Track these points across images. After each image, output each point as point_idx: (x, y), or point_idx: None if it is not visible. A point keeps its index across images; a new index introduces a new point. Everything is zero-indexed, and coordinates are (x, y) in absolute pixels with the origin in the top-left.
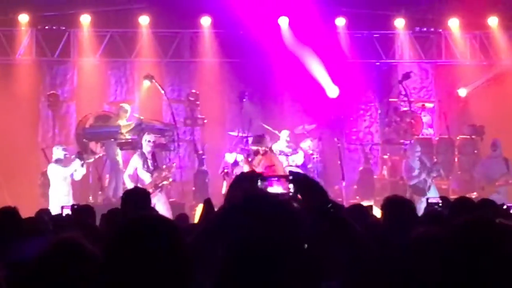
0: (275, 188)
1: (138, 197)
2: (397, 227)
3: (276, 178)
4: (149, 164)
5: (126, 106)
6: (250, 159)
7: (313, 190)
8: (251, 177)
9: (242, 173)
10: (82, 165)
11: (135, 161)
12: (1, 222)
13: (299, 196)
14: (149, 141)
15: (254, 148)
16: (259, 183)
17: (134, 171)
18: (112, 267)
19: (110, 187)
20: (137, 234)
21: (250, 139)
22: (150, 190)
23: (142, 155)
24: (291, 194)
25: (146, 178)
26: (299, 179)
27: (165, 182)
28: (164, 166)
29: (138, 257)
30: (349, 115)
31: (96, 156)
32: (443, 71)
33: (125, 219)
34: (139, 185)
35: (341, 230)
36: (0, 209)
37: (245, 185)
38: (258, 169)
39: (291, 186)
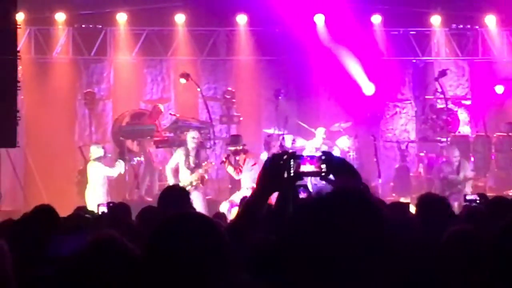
0: (307, 167)
1: (176, 195)
2: (432, 224)
3: (308, 157)
4: (191, 162)
5: (160, 106)
6: (232, 161)
7: (345, 170)
8: (284, 157)
9: (274, 154)
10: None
11: (178, 156)
12: (39, 220)
13: (331, 176)
14: (193, 137)
15: (233, 148)
16: (292, 163)
17: (176, 165)
18: (151, 265)
19: (143, 185)
20: (178, 231)
21: (286, 137)
22: (188, 188)
23: (186, 151)
24: (323, 173)
25: (186, 174)
26: (332, 159)
27: (197, 181)
28: (204, 164)
29: (178, 255)
30: (385, 113)
31: (137, 159)
32: (480, 68)
33: (164, 216)
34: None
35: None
36: (38, 207)
37: (279, 166)
38: (246, 168)
39: (323, 166)
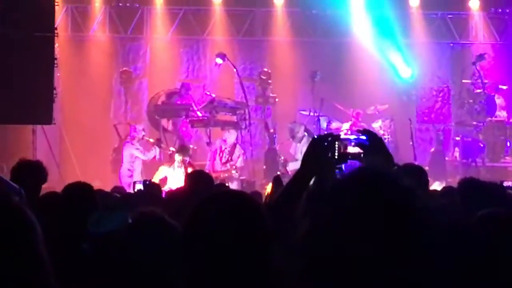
0: (353, 148)
1: (201, 179)
2: (474, 209)
3: (355, 139)
4: (225, 154)
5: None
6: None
7: (376, 151)
8: (329, 138)
9: (319, 135)
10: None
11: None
12: (77, 197)
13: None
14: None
15: (180, 158)
16: (337, 144)
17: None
18: (192, 241)
19: None
20: (218, 209)
21: (322, 119)
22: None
23: (224, 143)
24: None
25: (217, 166)
26: (366, 139)
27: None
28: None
29: (216, 232)
30: (422, 96)
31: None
32: None
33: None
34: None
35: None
36: (75, 185)
37: (323, 147)
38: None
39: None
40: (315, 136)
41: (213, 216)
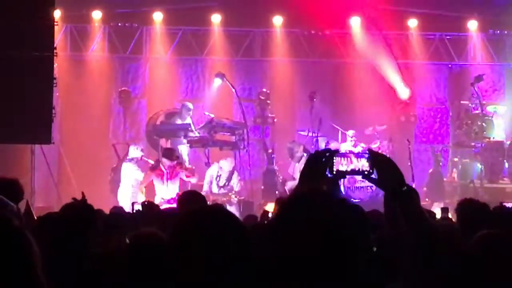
0: (351, 165)
1: (193, 199)
2: (472, 230)
3: (352, 155)
4: (223, 179)
5: (189, 104)
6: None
7: (390, 169)
8: (327, 154)
9: (317, 151)
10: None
11: (213, 170)
12: (76, 218)
13: (374, 173)
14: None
15: (168, 162)
16: (335, 160)
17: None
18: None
19: None
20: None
21: (320, 139)
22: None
23: (221, 169)
24: (366, 172)
25: (214, 189)
26: (377, 156)
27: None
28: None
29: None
30: (420, 117)
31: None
32: None
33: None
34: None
35: (412, 214)
36: (74, 205)
37: (321, 163)
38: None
39: (366, 163)
40: (313, 152)
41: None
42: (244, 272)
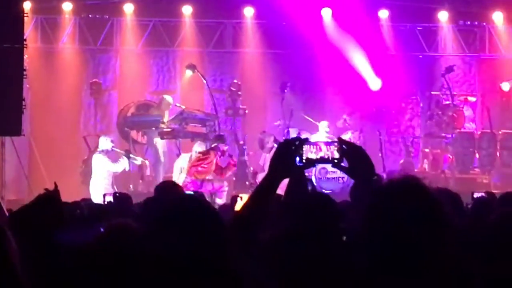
0: (320, 153)
1: (169, 188)
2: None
3: (322, 144)
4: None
5: (169, 98)
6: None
7: (361, 158)
8: (297, 142)
9: (287, 139)
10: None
11: (122, 165)
12: (45, 209)
13: (344, 162)
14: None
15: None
16: (304, 149)
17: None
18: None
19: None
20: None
21: (292, 130)
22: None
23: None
24: (336, 160)
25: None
26: (348, 145)
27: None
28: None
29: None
30: (391, 108)
31: (141, 160)
32: (486, 65)
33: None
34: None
35: (383, 202)
36: (42, 196)
37: (290, 151)
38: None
39: (336, 152)
40: (283, 140)
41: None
42: (218, 256)
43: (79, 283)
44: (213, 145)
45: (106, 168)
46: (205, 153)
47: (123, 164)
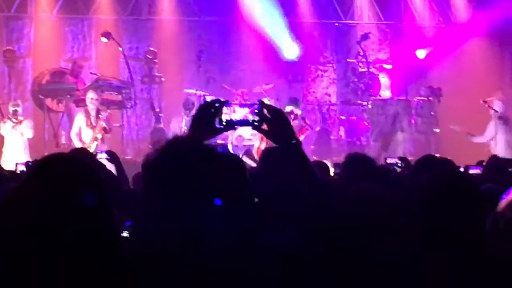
0: (239, 114)
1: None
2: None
3: (242, 106)
4: (92, 121)
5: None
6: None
7: (281, 121)
8: (217, 104)
9: (207, 101)
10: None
11: (79, 119)
12: None
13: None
14: (92, 98)
15: (289, 109)
16: (224, 110)
17: (79, 129)
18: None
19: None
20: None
21: (208, 98)
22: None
23: (86, 113)
24: (256, 123)
25: (89, 134)
26: (267, 109)
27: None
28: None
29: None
30: (307, 76)
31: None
32: (402, 32)
33: None
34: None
35: (302, 164)
36: None
37: (210, 113)
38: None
39: (256, 115)
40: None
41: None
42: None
43: None
44: (288, 109)
45: (16, 133)
46: None
47: (27, 126)
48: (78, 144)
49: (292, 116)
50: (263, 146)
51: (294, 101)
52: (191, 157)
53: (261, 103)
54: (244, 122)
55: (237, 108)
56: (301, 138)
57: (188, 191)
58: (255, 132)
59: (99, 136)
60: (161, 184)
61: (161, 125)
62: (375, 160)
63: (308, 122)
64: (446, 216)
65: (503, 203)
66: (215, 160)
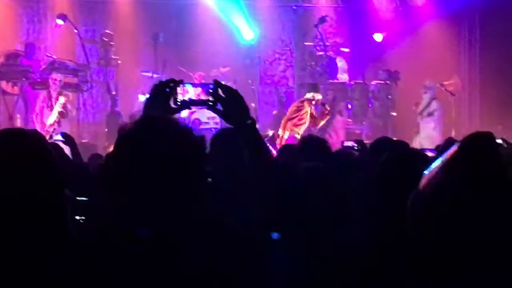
0: (191, 94)
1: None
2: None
3: (197, 86)
4: (53, 103)
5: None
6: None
7: (236, 101)
8: (171, 84)
9: (161, 80)
10: None
11: (40, 101)
12: None
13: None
14: (56, 79)
15: (310, 96)
16: (179, 90)
17: (40, 110)
18: None
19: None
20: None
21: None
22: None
23: (48, 94)
24: (211, 102)
25: (50, 116)
26: (221, 89)
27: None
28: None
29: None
30: (265, 59)
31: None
32: (359, 16)
33: None
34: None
35: (255, 144)
36: None
37: (164, 93)
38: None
39: (211, 95)
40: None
41: None
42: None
43: None
44: (308, 96)
45: None
46: (299, 105)
47: None
48: (37, 126)
49: (314, 102)
50: (286, 135)
51: (314, 87)
52: (170, 130)
53: (216, 83)
54: (199, 102)
55: (190, 88)
56: (321, 123)
57: (161, 163)
58: (212, 115)
59: (56, 119)
60: (135, 153)
61: (118, 109)
62: (326, 141)
63: (328, 108)
64: (402, 195)
65: (423, 179)
66: (189, 135)
